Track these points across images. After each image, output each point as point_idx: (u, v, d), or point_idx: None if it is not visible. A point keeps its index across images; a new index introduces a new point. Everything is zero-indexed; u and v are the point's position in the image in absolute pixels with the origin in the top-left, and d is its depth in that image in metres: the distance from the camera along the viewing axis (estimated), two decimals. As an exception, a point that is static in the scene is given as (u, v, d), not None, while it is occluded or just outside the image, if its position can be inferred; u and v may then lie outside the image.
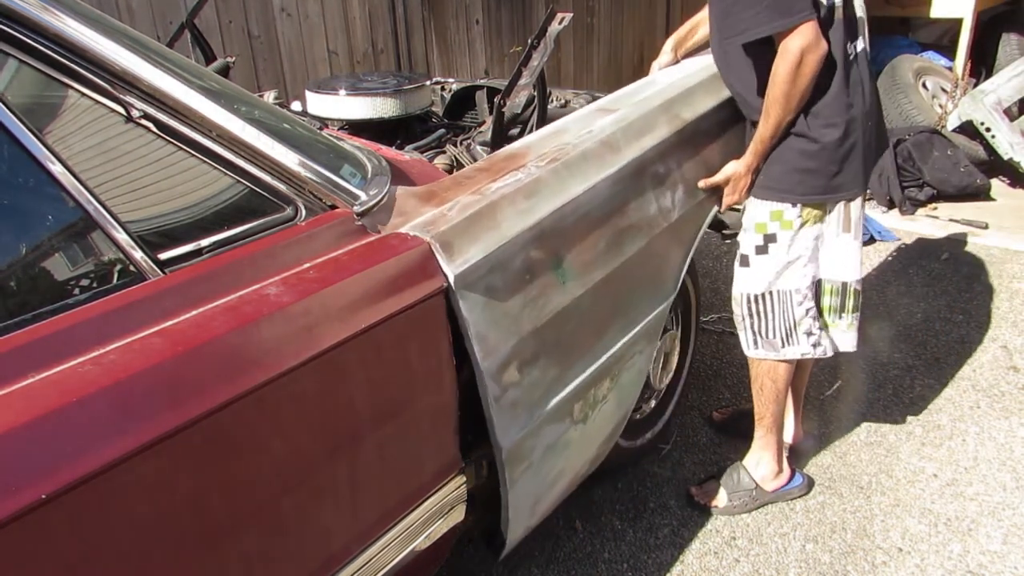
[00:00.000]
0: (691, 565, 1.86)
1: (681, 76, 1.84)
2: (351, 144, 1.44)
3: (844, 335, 1.89)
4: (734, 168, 1.77)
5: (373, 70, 3.80)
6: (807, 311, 1.83)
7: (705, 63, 1.90)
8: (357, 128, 2.17)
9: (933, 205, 4.09)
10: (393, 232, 1.23)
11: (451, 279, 1.21)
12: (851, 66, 1.67)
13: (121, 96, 1.01)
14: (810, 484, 2.09)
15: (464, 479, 1.37)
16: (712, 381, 2.61)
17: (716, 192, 1.82)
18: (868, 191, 4.18)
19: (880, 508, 2.01)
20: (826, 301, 1.84)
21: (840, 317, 1.87)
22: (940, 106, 4.61)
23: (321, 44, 3.60)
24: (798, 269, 1.80)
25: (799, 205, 1.74)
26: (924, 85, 4.75)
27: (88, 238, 0.94)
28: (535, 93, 1.88)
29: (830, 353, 1.89)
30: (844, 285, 1.83)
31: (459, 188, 1.37)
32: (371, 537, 1.20)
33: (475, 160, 1.97)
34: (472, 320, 1.24)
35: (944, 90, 4.77)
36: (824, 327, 1.86)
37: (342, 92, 2.16)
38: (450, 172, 1.83)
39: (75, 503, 0.80)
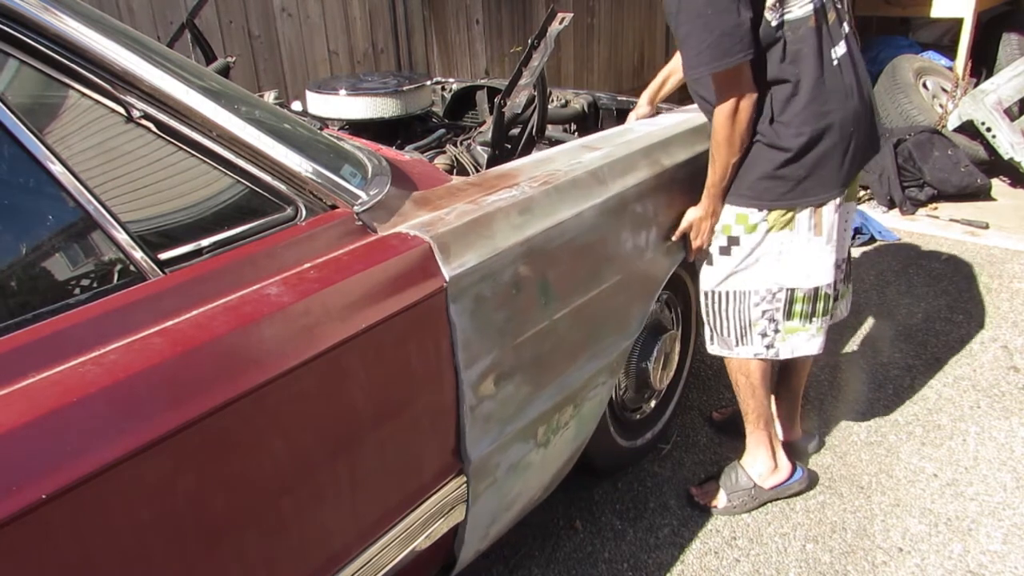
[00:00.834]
0: (691, 565, 1.86)
1: (660, 127, 1.89)
2: (351, 144, 1.44)
3: (812, 339, 1.88)
4: (694, 214, 1.80)
5: (373, 70, 3.80)
6: (763, 313, 1.84)
7: (681, 119, 1.96)
8: (357, 128, 2.17)
9: (934, 205, 4.09)
10: (393, 232, 1.23)
11: (447, 281, 1.21)
12: (832, 72, 1.67)
13: (121, 96, 1.01)
14: (811, 478, 2.09)
15: (465, 479, 1.37)
16: (712, 381, 2.61)
17: (684, 241, 1.85)
18: (868, 191, 4.21)
19: (880, 508, 2.01)
20: (797, 308, 1.84)
21: (810, 322, 1.86)
22: (941, 106, 4.61)
23: (322, 44, 3.60)
24: (758, 272, 1.81)
25: (765, 210, 1.75)
26: (924, 85, 4.75)
27: (88, 238, 0.94)
28: (535, 93, 1.88)
29: (783, 356, 1.90)
30: (815, 291, 1.82)
31: (453, 197, 1.38)
32: (371, 537, 1.20)
33: (475, 160, 1.97)
34: (460, 326, 1.25)
35: (944, 90, 4.77)
36: (787, 332, 1.86)
37: (342, 92, 2.16)
38: (450, 172, 1.84)
39: (75, 503, 0.80)
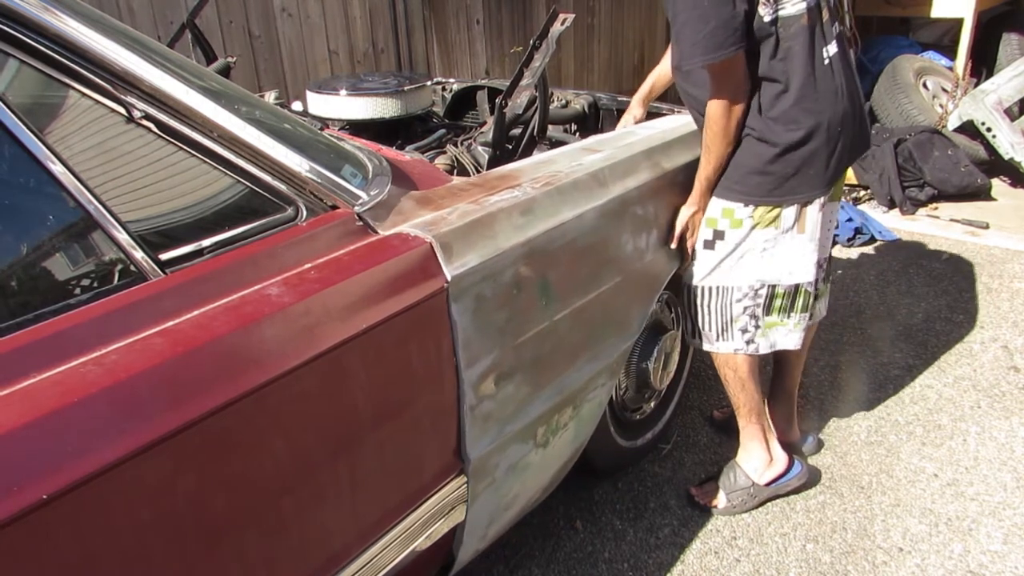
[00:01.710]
0: (692, 565, 1.86)
1: (660, 130, 1.90)
2: (352, 144, 1.44)
3: (790, 334, 1.90)
4: (689, 210, 1.80)
5: (374, 70, 3.80)
6: (745, 309, 1.85)
7: (682, 121, 1.97)
8: (358, 128, 2.17)
9: (934, 205, 4.09)
10: (394, 232, 1.23)
11: (448, 281, 1.21)
12: (823, 72, 1.67)
13: (122, 96, 1.01)
14: (811, 474, 2.09)
15: (465, 479, 1.37)
16: (713, 381, 2.60)
17: (682, 245, 1.85)
18: (868, 191, 4.21)
19: (881, 508, 2.01)
20: (777, 303, 1.85)
21: (789, 317, 1.88)
22: (941, 106, 4.61)
23: (322, 44, 3.60)
24: (742, 268, 1.82)
25: (751, 206, 1.75)
26: (925, 85, 4.75)
27: (89, 238, 0.94)
28: (537, 94, 1.88)
29: (764, 351, 1.91)
30: (796, 288, 1.84)
31: (455, 197, 1.38)
32: (372, 537, 1.20)
33: (476, 160, 1.97)
34: (461, 326, 1.25)
35: (945, 90, 4.77)
36: (767, 327, 1.88)
37: (343, 92, 2.16)
38: (451, 172, 1.84)
39: (76, 504, 0.80)
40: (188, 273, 1.00)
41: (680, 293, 1.95)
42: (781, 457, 2.03)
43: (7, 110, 0.88)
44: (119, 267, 0.96)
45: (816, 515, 2.00)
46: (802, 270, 1.81)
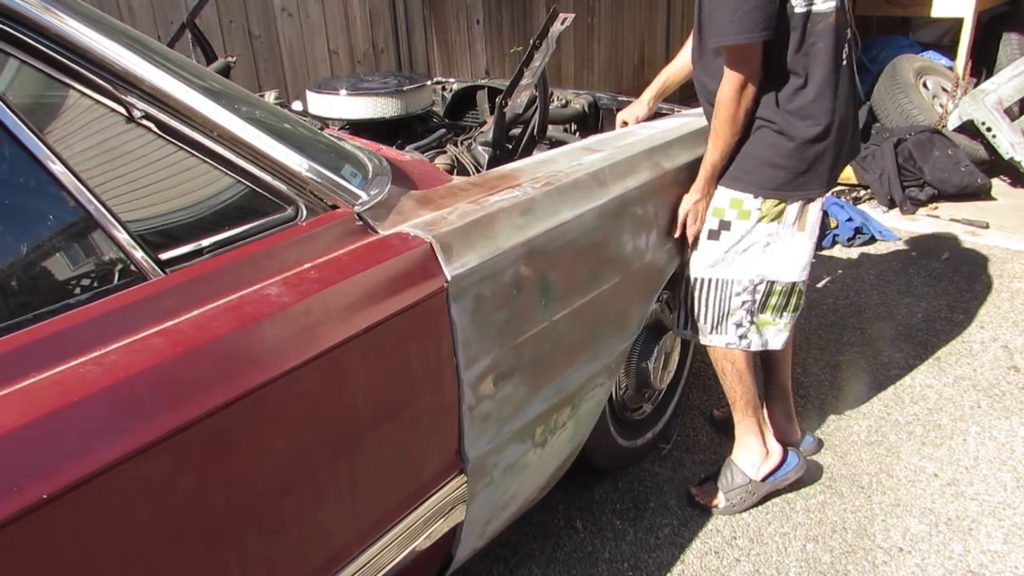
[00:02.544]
0: (692, 565, 1.86)
1: (661, 130, 1.90)
2: (352, 144, 1.44)
3: (779, 334, 1.92)
4: (692, 198, 1.80)
5: (374, 70, 3.80)
6: (743, 303, 1.85)
7: (682, 122, 1.97)
8: (358, 128, 2.17)
9: (934, 205, 4.09)
10: (394, 232, 1.23)
11: (448, 280, 1.21)
12: (842, 73, 1.70)
13: (122, 96, 1.01)
14: (809, 468, 2.09)
15: (466, 479, 1.37)
16: (713, 381, 2.59)
17: (684, 238, 1.85)
18: (868, 191, 4.21)
19: (881, 508, 2.01)
20: (773, 301, 1.87)
21: (781, 316, 1.89)
22: (941, 106, 4.60)
23: (322, 44, 3.60)
24: (744, 261, 1.82)
25: (760, 198, 1.76)
26: (925, 85, 4.74)
27: (89, 238, 0.94)
28: (537, 93, 1.88)
29: (755, 348, 1.92)
30: (792, 286, 1.86)
31: (455, 197, 1.38)
32: (372, 537, 1.20)
33: (476, 160, 1.97)
34: (461, 326, 1.25)
35: (945, 90, 4.77)
36: (760, 324, 1.89)
37: (343, 92, 2.16)
38: (451, 172, 1.84)
39: (76, 504, 0.80)
40: (188, 273, 1.00)
41: (678, 283, 1.95)
42: (776, 449, 2.03)
43: (7, 110, 0.88)
44: (119, 267, 0.96)
45: (816, 515, 2.00)
46: (800, 268, 1.83)
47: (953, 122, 4.40)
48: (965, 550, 1.87)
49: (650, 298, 1.82)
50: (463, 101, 2.64)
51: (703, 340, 1.95)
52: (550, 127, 2.19)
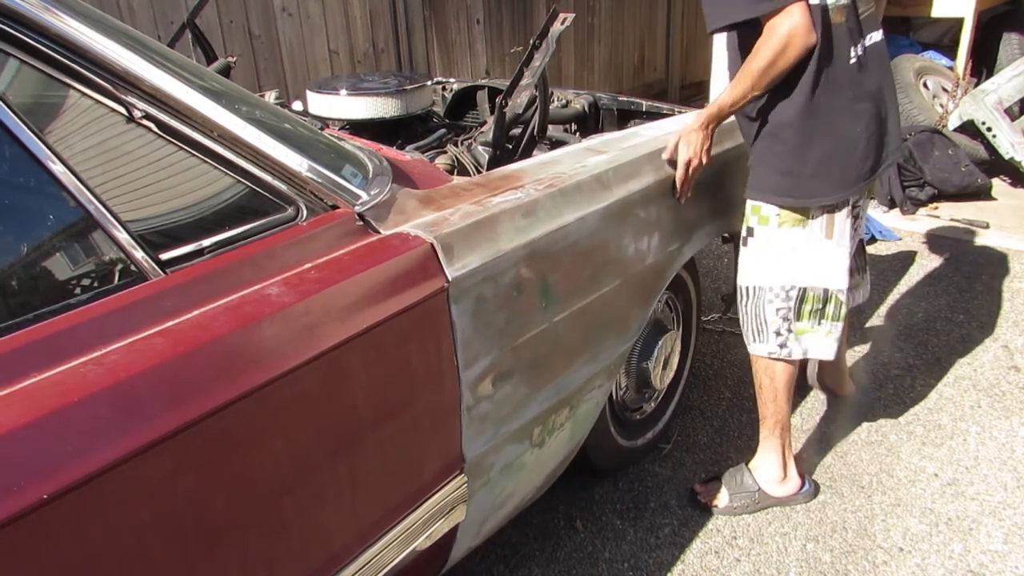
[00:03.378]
0: (692, 564, 1.86)
1: (665, 133, 1.89)
2: (352, 144, 1.44)
3: (822, 341, 1.89)
4: (689, 128, 1.74)
5: (374, 70, 3.80)
6: (777, 311, 1.85)
7: (685, 123, 1.96)
8: (358, 128, 2.17)
9: (934, 205, 4.09)
10: (394, 232, 1.23)
11: (449, 281, 1.21)
12: (846, 71, 1.66)
13: (122, 96, 1.01)
14: (816, 490, 2.08)
15: (466, 479, 1.37)
16: (713, 381, 2.61)
17: (686, 241, 1.86)
18: (872, 196, 4.20)
19: (881, 508, 2.01)
20: (807, 307, 1.85)
21: (820, 324, 1.86)
22: (941, 106, 4.60)
23: (322, 44, 3.60)
24: (771, 269, 1.83)
25: (776, 206, 1.78)
26: (925, 85, 4.74)
27: (89, 238, 0.94)
28: (537, 93, 1.88)
29: (797, 357, 1.90)
30: (825, 292, 1.83)
31: (458, 198, 1.38)
32: (372, 537, 1.20)
33: (476, 160, 1.97)
34: (461, 326, 1.25)
35: (945, 90, 4.77)
36: (798, 332, 1.87)
37: (343, 92, 2.16)
38: (451, 172, 1.84)
39: (76, 504, 0.80)
40: (188, 273, 1.00)
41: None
42: (794, 476, 2.02)
43: (8, 110, 0.88)
44: (119, 267, 0.96)
45: (816, 515, 2.00)
46: (831, 275, 1.81)
47: (953, 122, 4.40)
48: (965, 550, 1.87)
49: (650, 301, 1.82)
50: (463, 101, 2.64)
51: (750, 350, 1.94)
52: (550, 127, 2.19)
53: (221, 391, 0.92)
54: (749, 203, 1.83)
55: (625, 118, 2.53)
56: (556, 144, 2.08)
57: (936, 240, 3.69)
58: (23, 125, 0.89)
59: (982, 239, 3.68)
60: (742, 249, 1.88)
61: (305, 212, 1.16)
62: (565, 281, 1.48)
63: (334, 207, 1.20)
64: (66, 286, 0.93)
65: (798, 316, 1.85)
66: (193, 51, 2.28)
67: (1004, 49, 5.08)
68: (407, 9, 3.86)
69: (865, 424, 2.35)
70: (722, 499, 2.00)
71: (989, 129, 4.24)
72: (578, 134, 2.44)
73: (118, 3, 2.90)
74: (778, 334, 1.87)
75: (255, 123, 1.11)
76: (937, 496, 2.05)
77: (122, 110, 1.02)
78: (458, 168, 1.96)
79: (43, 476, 0.77)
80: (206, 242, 1.05)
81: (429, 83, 2.34)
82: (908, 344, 2.79)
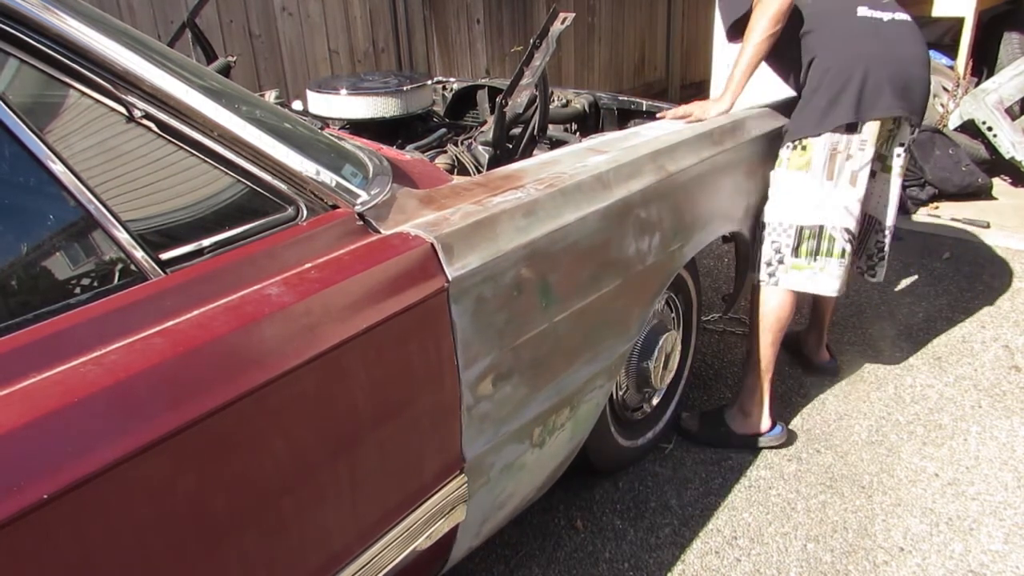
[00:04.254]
0: (692, 564, 1.86)
1: (666, 132, 1.90)
2: (352, 144, 1.44)
3: (816, 277, 2.06)
4: (716, 109, 1.99)
5: (374, 69, 3.80)
6: (772, 243, 2.08)
7: (686, 123, 2.01)
8: (358, 127, 2.17)
9: (935, 204, 4.09)
10: (395, 232, 1.23)
11: (449, 281, 1.21)
12: (858, 20, 1.93)
13: (122, 96, 1.01)
14: (788, 438, 2.23)
15: (466, 479, 1.37)
16: (713, 381, 2.61)
17: (686, 241, 1.89)
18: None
19: (881, 507, 2.01)
20: (804, 246, 2.03)
21: (815, 260, 2.04)
22: (942, 105, 4.60)
23: (322, 43, 3.60)
24: (774, 206, 2.06)
25: (787, 147, 2.01)
26: (926, 84, 4.74)
27: (89, 238, 0.94)
28: (537, 93, 1.88)
29: (784, 287, 2.08)
30: (820, 228, 2.01)
31: (458, 197, 1.38)
32: (372, 537, 1.20)
33: (476, 160, 1.97)
34: (461, 326, 1.25)
35: (945, 89, 4.76)
36: (794, 267, 2.06)
37: (343, 91, 2.16)
38: (451, 172, 1.84)
39: (76, 504, 0.80)
40: (188, 273, 1.00)
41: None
42: (764, 420, 2.19)
43: (7, 110, 0.88)
44: (119, 266, 0.95)
45: (817, 515, 2.00)
46: (828, 213, 1.99)
47: (954, 121, 4.39)
48: (966, 550, 1.87)
49: (651, 302, 1.81)
50: (463, 101, 2.64)
51: (754, 277, 2.15)
52: (550, 127, 2.19)
53: (221, 391, 0.92)
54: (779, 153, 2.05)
55: (625, 118, 2.52)
56: (556, 144, 2.08)
57: (937, 240, 3.69)
58: (23, 125, 0.89)
59: (983, 239, 3.67)
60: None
61: (305, 212, 1.16)
62: (565, 281, 1.48)
63: (334, 207, 1.19)
64: (66, 286, 0.93)
65: (795, 252, 2.04)
66: (193, 51, 2.28)
67: (1005, 48, 5.08)
68: (407, 9, 3.86)
69: (865, 424, 2.35)
70: (693, 426, 2.24)
71: (990, 128, 4.24)
72: (578, 134, 2.43)
73: (118, 3, 2.90)
74: (768, 264, 2.09)
75: (255, 123, 1.11)
76: (938, 496, 2.05)
77: (122, 110, 1.02)
78: (458, 168, 1.96)
79: (43, 476, 0.77)
80: (206, 242, 1.05)
81: (429, 83, 2.34)
82: (909, 343, 2.79)
